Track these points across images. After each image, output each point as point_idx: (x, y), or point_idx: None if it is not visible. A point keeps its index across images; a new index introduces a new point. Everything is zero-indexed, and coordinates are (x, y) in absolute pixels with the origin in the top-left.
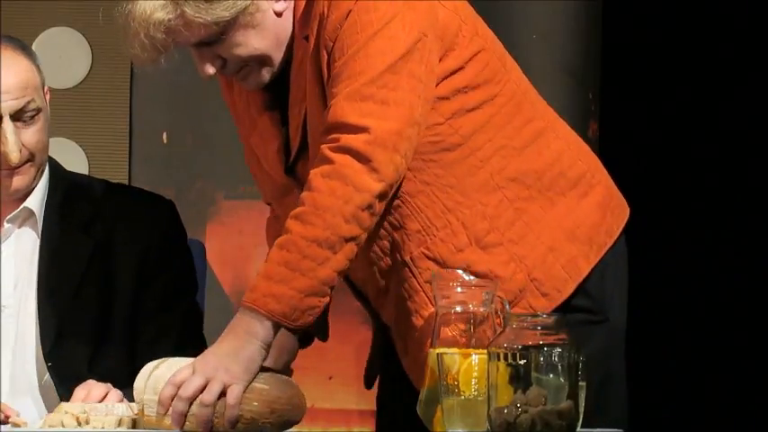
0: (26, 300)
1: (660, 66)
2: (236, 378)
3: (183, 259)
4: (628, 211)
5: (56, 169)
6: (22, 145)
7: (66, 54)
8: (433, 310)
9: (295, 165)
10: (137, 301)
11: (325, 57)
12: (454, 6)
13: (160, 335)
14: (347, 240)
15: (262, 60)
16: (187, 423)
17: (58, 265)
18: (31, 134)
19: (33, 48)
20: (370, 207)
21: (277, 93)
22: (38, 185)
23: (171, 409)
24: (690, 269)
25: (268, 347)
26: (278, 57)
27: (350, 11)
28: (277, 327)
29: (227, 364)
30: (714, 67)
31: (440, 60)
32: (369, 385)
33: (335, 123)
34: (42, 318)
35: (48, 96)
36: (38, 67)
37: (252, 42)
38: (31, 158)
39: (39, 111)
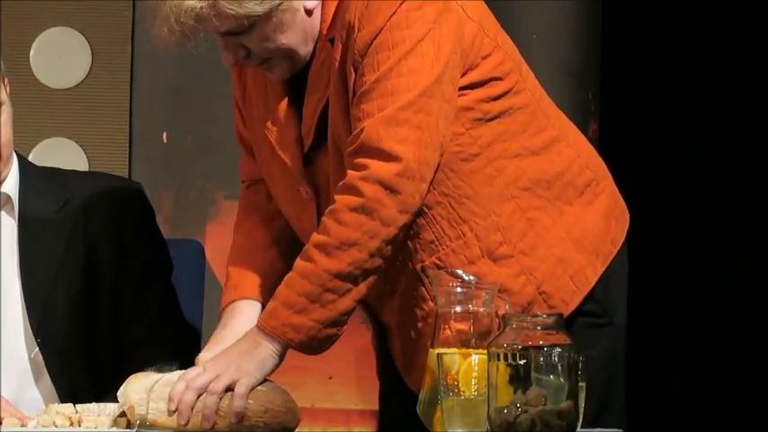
0: (10, 282)
1: (660, 65)
2: (245, 373)
3: (154, 239)
4: (628, 217)
5: (24, 161)
6: None
7: (66, 54)
8: None
9: (307, 159)
10: (116, 281)
11: (353, 74)
12: (480, 17)
13: (138, 313)
14: (369, 273)
15: (287, 55)
16: (193, 420)
17: (38, 246)
18: None
19: (33, 48)
20: (394, 239)
21: (294, 85)
22: (10, 174)
23: (179, 401)
24: (690, 269)
25: (281, 358)
26: (304, 52)
27: (381, 27)
28: (288, 348)
29: (238, 362)
30: (714, 67)
31: (464, 74)
32: (384, 383)
33: (368, 147)
34: (28, 297)
35: (8, 89)
36: None
37: (280, 38)
38: None
39: (0, 104)
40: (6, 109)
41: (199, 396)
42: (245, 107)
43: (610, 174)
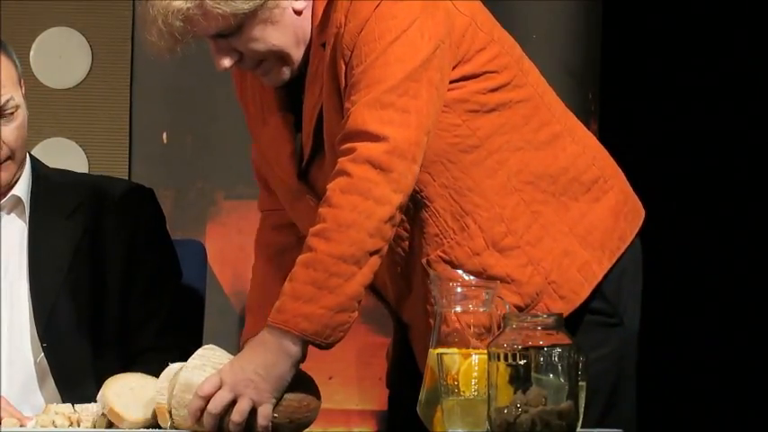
0: (18, 285)
1: (660, 65)
2: (265, 397)
3: (165, 245)
4: (642, 215)
5: (36, 163)
6: (2, 142)
7: (66, 54)
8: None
9: (307, 170)
10: (125, 286)
11: (343, 67)
12: (471, 12)
13: (146, 319)
14: (372, 254)
15: (280, 57)
16: None
17: (47, 250)
18: (10, 131)
19: (33, 48)
20: (391, 219)
21: (291, 95)
22: (22, 176)
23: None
24: (690, 269)
25: (298, 366)
26: (296, 54)
27: (367, 19)
28: (307, 345)
29: (256, 382)
30: (714, 67)
31: (456, 66)
32: (391, 385)
33: (355, 131)
34: (35, 301)
35: (24, 90)
36: (14, 62)
37: (269, 38)
38: (11, 155)
39: (17, 107)
40: (22, 111)
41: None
42: (248, 119)
43: (621, 172)
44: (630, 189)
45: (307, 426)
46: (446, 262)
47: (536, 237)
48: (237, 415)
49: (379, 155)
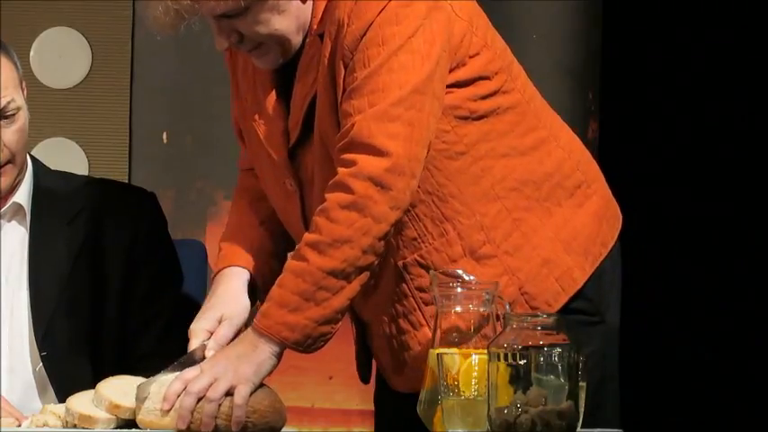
0: (18, 292)
1: (660, 65)
2: (243, 379)
3: (167, 250)
4: (621, 220)
5: (38, 166)
6: (3, 144)
7: (66, 54)
8: (420, 315)
9: (294, 152)
10: (125, 292)
11: (342, 69)
12: (469, 16)
13: (147, 325)
14: (362, 270)
15: (279, 41)
16: (191, 423)
17: (47, 257)
18: (11, 133)
19: (33, 48)
20: (386, 235)
21: (282, 79)
22: (23, 181)
23: (177, 404)
24: (688, 268)
25: (279, 358)
26: (296, 41)
27: (371, 22)
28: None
29: (236, 366)
30: (714, 67)
31: (451, 71)
32: (365, 380)
33: (359, 142)
34: (34, 309)
35: (25, 92)
36: (15, 63)
37: (274, 22)
38: (11, 159)
39: (19, 109)
40: (23, 113)
41: (198, 400)
42: (238, 99)
43: (602, 176)
44: (610, 193)
45: (270, 429)
46: (422, 266)
47: (515, 246)
48: (213, 391)
49: (381, 173)
